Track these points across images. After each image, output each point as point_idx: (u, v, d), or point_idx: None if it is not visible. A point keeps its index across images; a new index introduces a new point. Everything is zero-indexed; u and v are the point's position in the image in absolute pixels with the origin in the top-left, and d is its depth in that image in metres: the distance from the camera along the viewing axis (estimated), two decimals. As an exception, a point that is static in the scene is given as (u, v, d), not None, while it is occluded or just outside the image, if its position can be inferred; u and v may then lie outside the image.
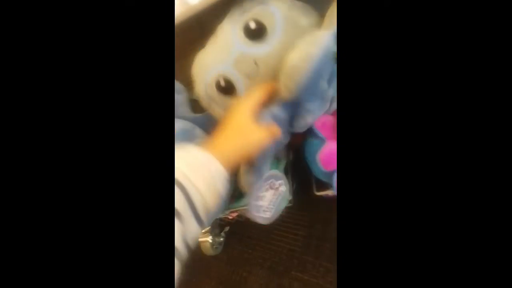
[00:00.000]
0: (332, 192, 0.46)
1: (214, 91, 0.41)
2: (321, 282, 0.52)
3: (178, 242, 0.28)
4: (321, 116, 0.45)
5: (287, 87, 0.34)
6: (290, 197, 0.48)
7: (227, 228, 0.63)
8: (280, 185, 0.43)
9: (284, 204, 0.45)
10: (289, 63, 0.33)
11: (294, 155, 0.53)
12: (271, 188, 0.43)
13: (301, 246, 0.56)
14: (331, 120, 0.45)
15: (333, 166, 0.43)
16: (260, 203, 0.42)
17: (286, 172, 0.52)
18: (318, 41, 0.32)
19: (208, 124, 0.45)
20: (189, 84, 0.45)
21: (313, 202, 0.54)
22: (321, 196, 0.48)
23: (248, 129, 0.34)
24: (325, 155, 0.43)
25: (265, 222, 0.44)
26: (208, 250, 0.60)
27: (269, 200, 0.43)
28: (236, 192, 0.46)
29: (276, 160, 0.50)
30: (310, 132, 0.45)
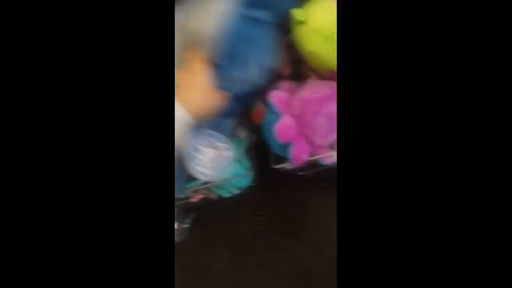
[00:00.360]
0: (288, 165, 0.47)
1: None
2: (286, 257, 0.53)
3: None
4: (277, 91, 0.46)
5: (209, 55, 0.38)
6: (248, 175, 0.48)
7: (192, 215, 0.62)
8: (225, 149, 0.44)
9: (229, 170, 0.46)
10: (204, 31, 0.37)
11: (255, 134, 0.54)
12: (213, 147, 0.44)
13: (265, 225, 0.57)
14: (286, 96, 0.46)
15: (287, 138, 0.44)
16: (199, 156, 0.43)
17: (247, 151, 0.53)
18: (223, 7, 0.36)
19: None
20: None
21: (275, 182, 0.56)
22: (278, 170, 0.49)
23: (209, 91, 0.40)
24: (280, 128, 0.44)
25: (203, 177, 0.45)
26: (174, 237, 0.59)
27: (210, 158, 0.44)
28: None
29: (238, 140, 0.51)
30: (268, 108, 0.47)
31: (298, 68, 0.48)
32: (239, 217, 0.58)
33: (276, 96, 0.46)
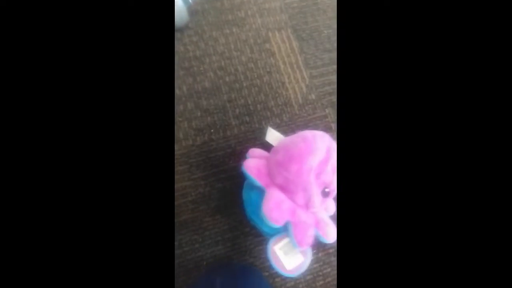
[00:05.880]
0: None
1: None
2: None
3: None
4: (254, 160, 0.36)
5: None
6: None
7: None
8: None
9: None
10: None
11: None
12: None
13: None
14: (265, 165, 0.36)
15: (283, 217, 0.33)
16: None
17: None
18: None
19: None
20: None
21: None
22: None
23: None
24: (271, 207, 0.33)
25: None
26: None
27: None
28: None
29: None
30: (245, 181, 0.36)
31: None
32: None
33: (255, 167, 0.35)
